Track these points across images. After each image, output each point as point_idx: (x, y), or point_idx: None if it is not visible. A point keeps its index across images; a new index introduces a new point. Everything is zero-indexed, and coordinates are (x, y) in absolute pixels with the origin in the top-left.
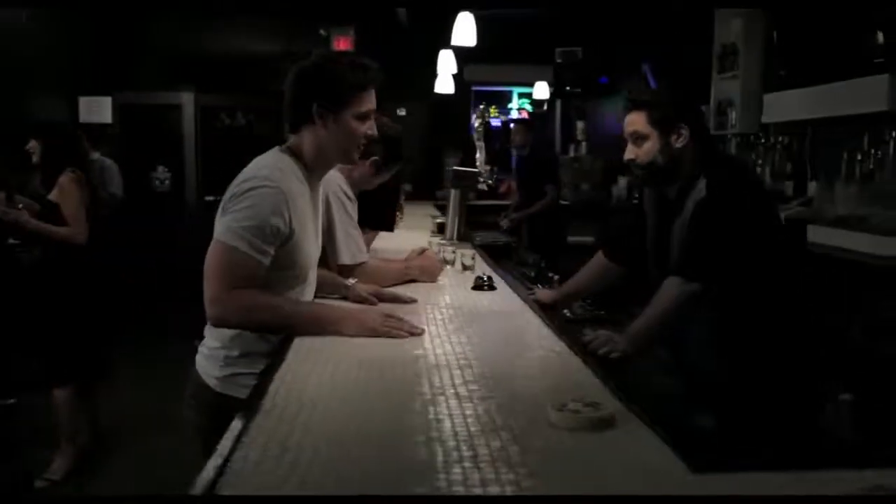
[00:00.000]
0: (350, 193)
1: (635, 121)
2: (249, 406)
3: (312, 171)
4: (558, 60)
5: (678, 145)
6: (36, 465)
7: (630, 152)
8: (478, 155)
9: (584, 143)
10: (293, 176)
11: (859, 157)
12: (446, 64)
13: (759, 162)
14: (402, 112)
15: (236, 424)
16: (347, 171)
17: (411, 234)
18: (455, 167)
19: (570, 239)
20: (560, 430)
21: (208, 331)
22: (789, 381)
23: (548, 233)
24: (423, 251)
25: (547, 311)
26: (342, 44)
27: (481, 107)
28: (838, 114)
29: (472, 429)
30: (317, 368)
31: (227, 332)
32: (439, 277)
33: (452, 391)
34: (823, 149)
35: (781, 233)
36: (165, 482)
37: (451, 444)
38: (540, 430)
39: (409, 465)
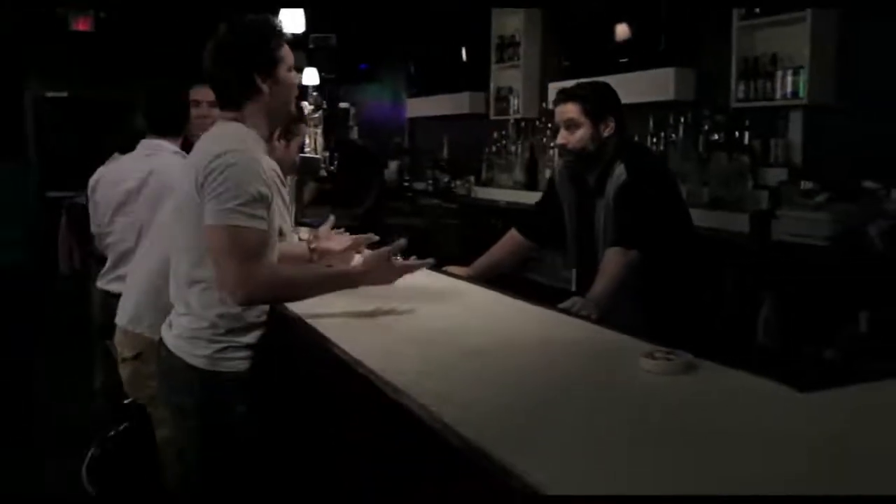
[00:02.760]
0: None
1: (570, 110)
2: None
3: (262, 137)
4: (311, 46)
5: (605, 134)
6: None
7: (562, 138)
8: (307, 140)
9: (355, 129)
10: (256, 144)
11: (654, 140)
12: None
13: (552, 144)
14: None
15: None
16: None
17: None
18: (301, 154)
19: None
20: (651, 376)
21: (187, 314)
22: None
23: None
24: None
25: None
26: (82, 25)
27: (314, 93)
28: (625, 102)
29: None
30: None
31: (213, 311)
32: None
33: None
34: None
35: (685, 208)
36: None
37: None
38: (624, 378)
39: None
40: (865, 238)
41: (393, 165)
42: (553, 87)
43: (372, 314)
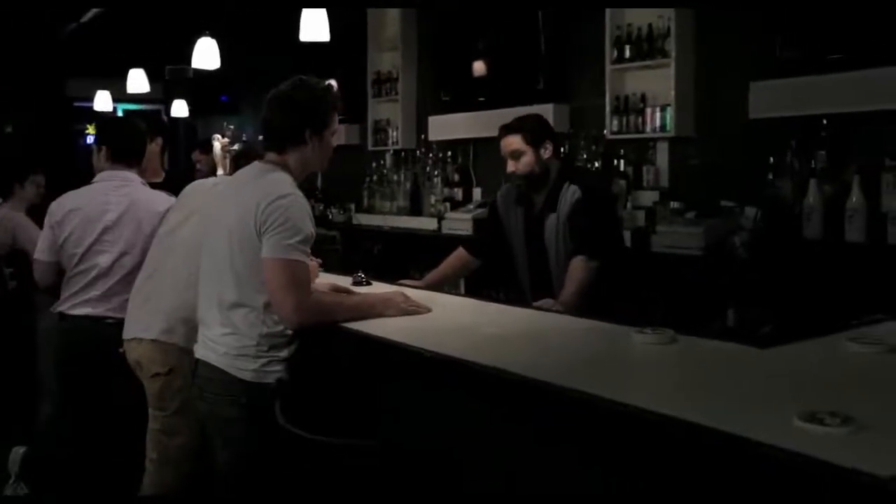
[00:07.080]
0: None
1: (514, 142)
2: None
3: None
4: (167, 77)
5: (546, 157)
6: None
7: (511, 166)
8: (220, 171)
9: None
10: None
11: None
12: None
13: (436, 173)
14: (8, 129)
15: None
16: None
17: None
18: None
19: None
20: (648, 346)
21: (233, 333)
22: None
23: None
24: None
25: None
26: None
27: (225, 124)
28: None
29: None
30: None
31: (257, 331)
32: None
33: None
34: (484, 161)
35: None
36: None
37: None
38: (629, 348)
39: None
40: (730, 248)
41: None
42: (433, 120)
43: (385, 321)
